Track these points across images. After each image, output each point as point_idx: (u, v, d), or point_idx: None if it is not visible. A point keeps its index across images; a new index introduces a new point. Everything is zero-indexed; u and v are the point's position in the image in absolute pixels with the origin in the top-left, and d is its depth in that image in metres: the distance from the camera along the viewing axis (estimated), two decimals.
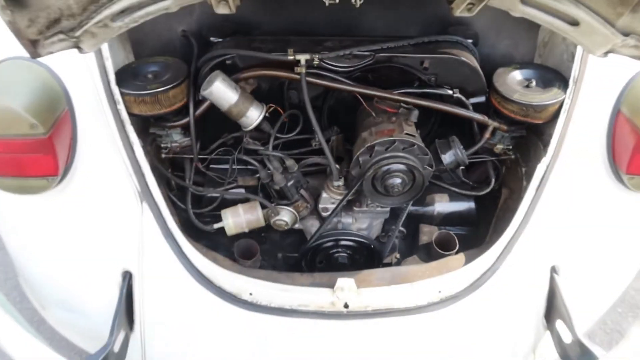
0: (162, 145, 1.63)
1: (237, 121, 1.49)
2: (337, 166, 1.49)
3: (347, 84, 1.48)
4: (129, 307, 1.45)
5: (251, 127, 1.49)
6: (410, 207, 1.68)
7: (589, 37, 1.18)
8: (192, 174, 1.61)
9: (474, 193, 1.68)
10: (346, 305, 1.39)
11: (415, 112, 1.40)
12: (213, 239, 1.66)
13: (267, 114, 1.51)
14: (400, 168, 1.36)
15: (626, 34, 1.12)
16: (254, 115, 1.47)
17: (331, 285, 1.41)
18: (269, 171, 1.45)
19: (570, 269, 1.49)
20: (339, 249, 1.60)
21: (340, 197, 1.52)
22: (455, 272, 1.45)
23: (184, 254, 1.43)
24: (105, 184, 1.43)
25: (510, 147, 1.64)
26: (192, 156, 1.58)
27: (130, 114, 1.44)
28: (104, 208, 1.44)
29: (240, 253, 1.52)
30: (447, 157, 1.50)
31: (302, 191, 1.50)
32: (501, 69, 1.56)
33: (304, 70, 1.42)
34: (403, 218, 1.56)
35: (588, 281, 1.54)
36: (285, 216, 1.49)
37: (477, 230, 1.74)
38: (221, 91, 1.42)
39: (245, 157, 1.50)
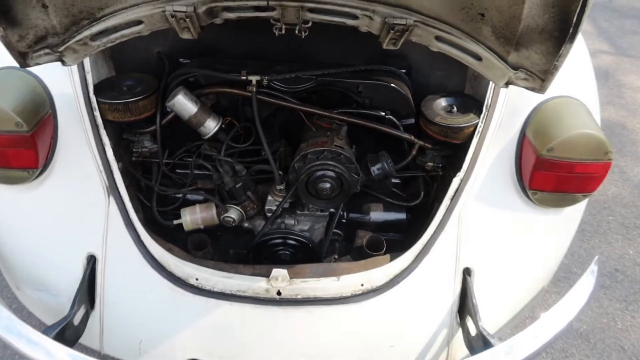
0: (134, 150, 1.87)
1: (197, 130, 1.73)
2: (280, 172, 1.72)
3: (293, 102, 1.73)
4: (91, 287, 1.66)
5: (209, 136, 1.73)
6: (351, 214, 1.90)
7: (491, 70, 1.42)
8: (159, 177, 1.84)
9: (404, 204, 1.90)
10: (279, 293, 1.59)
11: (345, 128, 1.64)
12: (174, 235, 1.87)
13: (223, 125, 1.75)
14: (329, 174, 1.59)
15: (516, 68, 1.35)
16: (211, 126, 1.72)
17: (268, 275, 1.62)
18: (220, 173, 1.69)
19: (482, 271, 1.69)
20: (281, 247, 1.81)
21: (282, 200, 1.74)
22: (377, 269, 1.65)
23: (142, 243, 1.64)
24: (78, 178, 1.66)
25: (440, 165, 1.87)
26: (158, 160, 1.82)
27: (105, 120, 1.68)
28: (76, 199, 1.66)
29: (193, 245, 1.73)
30: (375, 169, 1.73)
31: (249, 193, 1.73)
32: (430, 96, 1.81)
33: (254, 89, 1.66)
34: (335, 220, 1.77)
35: (499, 283, 1.74)
36: (232, 214, 1.71)
37: (408, 236, 1.96)
38: (182, 103, 1.66)
39: (202, 162, 1.73)
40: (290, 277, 1.61)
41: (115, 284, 1.66)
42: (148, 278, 1.63)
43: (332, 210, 1.82)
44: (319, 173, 1.58)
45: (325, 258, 1.88)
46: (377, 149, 1.84)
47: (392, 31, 1.41)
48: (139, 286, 1.66)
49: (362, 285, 1.63)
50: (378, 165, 1.72)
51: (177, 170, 1.94)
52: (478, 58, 1.43)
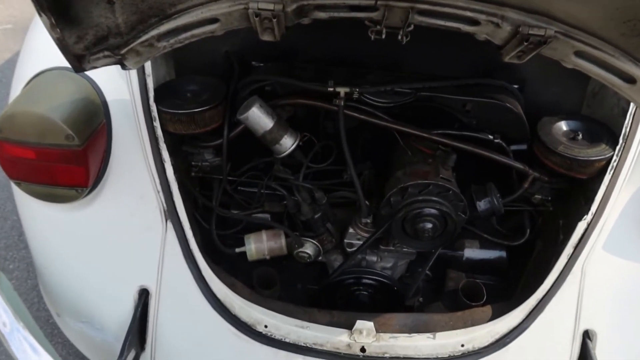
0: (193, 163, 1.62)
1: (270, 148, 1.47)
2: (367, 202, 1.45)
3: (385, 119, 1.45)
4: (142, 325, 1.43)
5: (284, 155, 1.47)
6: (440, 250, 1.63)
7: None
8: (220, 195, 1.60)
9: (506, 242, 1.61)
10: (363, 349, 1.34)
11: (453, 157, 1.35)
12: (233, 263, 1.63)
13: (300, 143, 1.49)
14: (433, 213, 1.31)
15: None
16: (287, 143, 1.45)
17: (349, 325, 1.36)
18: (296, 200, 1.42)
19: (606, 336, 1.40)
20: (361, 287, 1.55)
21: (366, 234, 1.47)
22: (480, 327, 1.38)
23: (202, 278, 1.40)
24: (132, 199, 1.43)
25: (549, 198, 1.57)
26: (221, 177, 1.57)
27: (165, 132, 1.43)
28: (128, 223, 1.43)
29: (259, 281, 1.48)
30: (482, 205, 1.44)
31: (329, 225, 1.46)
32: (546, 118, 1.51)
33: (342, 102, 1.39)
34: (430, 263, 1.50)
35: (626, 351, 1.44)
36: (308, 249, 1.45)
37: (507, 281, 1.67)
38: (257, 117, 1.40)
39: (274, 184, 1.47)
40: (376, 331, 1.35)
41: (170, 324, 1.44)
42: (209, 320, 1.40)
43: None
44: (421, 211, 1.30)
45: (409, 299, 1.61)
46: (477, 179, 1.55)
47: (525, 43, 1.12)
48: (197, 329, 1.43)
49: (462, 346, 1.36)
50: (486, 200, 1.43)
51: (240, 188, 1.69)
52: (631, 81, 1.13)
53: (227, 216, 1.61)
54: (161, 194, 1.42)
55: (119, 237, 1.43)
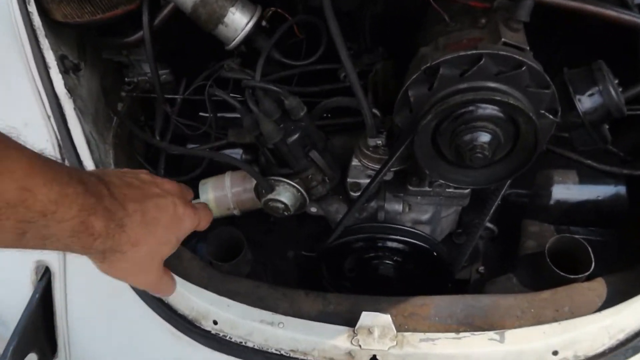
0: (127, 80, 1.10)
1: (213, 33, 0.90)
2: (376, 112, 0.85)
3: None
4: (48, 319, 0.95)
5: (235, 43, 0.89)
6: (511, 190, 1.00)
7: None
8: (161, 122, 1.07)
9: (626, 171, 0.95)
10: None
11: (529, 3, 0.70)
12: None
13: (264, 22, 0.90)
14: (491, 113, 0.69)
15: None
16: (238, 21, 0.87)
17: (353, 320, 0.80)
18: (253, 115, 0.85)
19: None
20: (380, 253, 0.96)
21: (378, 165, 0.88)
22: (587, 319, 0.76)
23: None
24: (12, 130, 0.93)
25: None
26: (155, 95, 1.03)
27: (54, 22, 0.91)
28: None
29: (214, 249, 0.94)
30: (585, 100, 0.79)
31: (314, 153, 0.87)
32: None
33: None
34: (494, 207, 0.87)
35: None
36: (282, 194, 0.88)
37: (626, 237, 1.01)
38: None
39: (219, 93, 0.90)
40: (397, 328, 0.78)
41: (83, 318, 0.94)
42: (135, 313, 0.89)
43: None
44: (468, 110, 0.69)
45: (460, 271, 1.02)
46: (571, 59, 0.88)
47: None
48: (121, 325, 0.93)
49: (554, 354, 0.75)
50: (594, 92, 0.78)
51: (201, 114, 1.14)
52: None
53: (173, 153, 1.07)
54: (52, 120, 0.91)
55: None
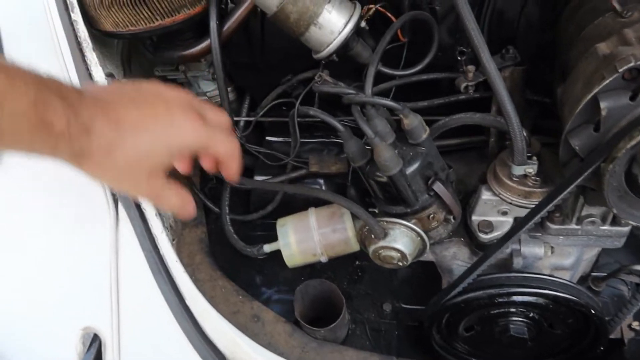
0: None
1: (302, 38, 0.72)
2: (526, 133, 0.65)
3: None
4: None
5: (330, 48, 0.70)
6: None
7: None
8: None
9: None
10: None
11: None
12: (263, 271, 0.91)
13: (365, 22, 0.72)
14: None
15: None
16: (335, 22, 0.69)
17: None
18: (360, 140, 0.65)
19: None
20: (513, 309, 0.76)
21: (525, 200, 0.67)
22: None
23: (188, 310, 0.70)
24: (48, 166, 0.75)
25: None
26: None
27: (99, 32, 0.74)
28: (50, 211, 0.76)
29: (304, 311, 0.74)
30: None
31: (438, 186, 0.67)
32: None
33: None
34: None
35: None
36: (399, 240, 0.68)
37: None
38: None
39: (316, 113, 0.71)
40: None
41: None
42: None
43: None
44: None
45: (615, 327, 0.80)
46: None
47: None
48: None
49: None
50: None
51: (269, 139, 0.95)
52: None
53: (243, 187, 0.88)
54: None
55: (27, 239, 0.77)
